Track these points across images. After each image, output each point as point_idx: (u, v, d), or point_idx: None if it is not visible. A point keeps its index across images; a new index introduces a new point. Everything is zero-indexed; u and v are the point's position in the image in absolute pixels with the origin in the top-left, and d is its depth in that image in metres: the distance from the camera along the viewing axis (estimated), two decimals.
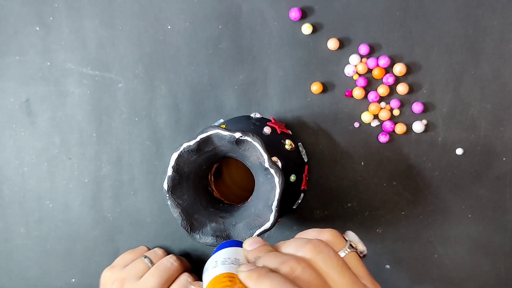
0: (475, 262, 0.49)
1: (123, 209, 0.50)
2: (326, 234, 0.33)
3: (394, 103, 0.48)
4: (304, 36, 0.48)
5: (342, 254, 0.32)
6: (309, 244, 0.31)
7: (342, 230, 0.50)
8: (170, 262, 0.45)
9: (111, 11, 0.49)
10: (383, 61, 0.47)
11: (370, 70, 0.48)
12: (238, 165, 0.48)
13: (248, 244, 0.33)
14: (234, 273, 0.30)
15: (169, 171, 0.38)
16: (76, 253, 0.51)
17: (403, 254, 0.49)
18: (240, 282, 0.29)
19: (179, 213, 0.39)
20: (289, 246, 0.32)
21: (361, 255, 0.33)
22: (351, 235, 0.34)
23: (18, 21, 0.49)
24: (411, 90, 0.48)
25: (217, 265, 0.30)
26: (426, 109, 0.48)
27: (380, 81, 0.48)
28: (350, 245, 0.33)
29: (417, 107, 0.48)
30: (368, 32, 0.48)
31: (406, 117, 0.48)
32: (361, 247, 0.33)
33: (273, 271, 0.29)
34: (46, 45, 0.49)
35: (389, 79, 0.47)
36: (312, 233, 0.33)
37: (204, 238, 0.39)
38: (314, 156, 0.49)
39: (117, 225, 0.50)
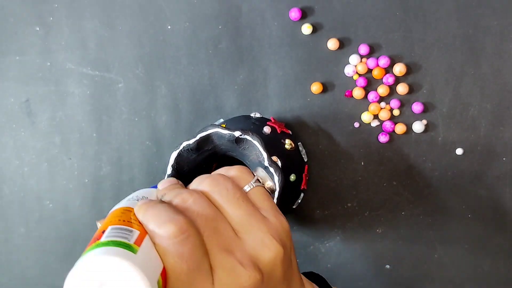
0: (475, 262, 0.49)
1: None
2: (233, 170, 0.32)
3: (394, 103, 0.48)
4: (304, 36, 0.48)
5: (247, 188, 0.31)
6: (209, 178, 0.30)
7: (342, 230, 0.50)
8: None
9: (111, 11, 0.49)
10: (383, 61, 0.47)
11: (370, 70, 0.48)
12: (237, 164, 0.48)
13: (161, 184, 0.33)
14: (132, 208, 0.30)
15: (169, 170, 0.38)
16: (76, 253, 0.51)
17: (403, 254, 0.49)
18: (133, 214, 0.29)
19: None
20: (193, 182, 0.31)
21: (269, 191, 0.32)
22: (259, 172, 0.33)
23: (18, 21, 0.49)
24: (411, 90, 0.48)
25: (122, 201, 0.31)
26: (426, 109, 0.48)
27: (380, 81, 0.48)
28: (258, 180, 0.32)
29: (417, 107, 0.48)
30: (368, 32, 0.48)
31: (406, 117, 0.48)
32: (269, 183, 0.32)
33: (162, 202, 0.29)
34: (46, 45, 0.49)
35: (389, 79, 0.47)
36: (221, 170, 0.32)
37: None
38: (314, 156, 0.49)
39: None
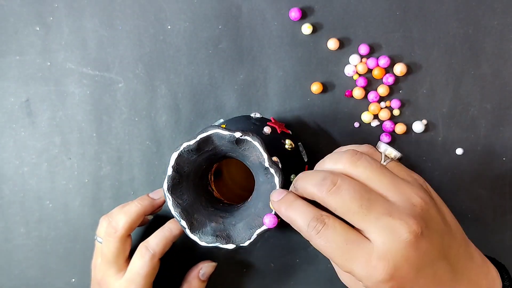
0: None
1: None
2: (362, 147, 0.35)
3: (394, 103, 0.48)
4: (304, 36, 0.48)
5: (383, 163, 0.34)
6: (345, 156, 0.33)
7: None
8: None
9: (111, 11, 0.49)
10: (383, 61, 0.47)
11: (370, 70, 0.48)
12: (238, 165, 0.48)
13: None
14: None
15: (169, 171, 0.38)
16: (76, 253, 0.51)
17: None
18: None
19: (179, 213, 0.39)
20: (327, 162, 0.34)
21: (397, 160, 0.35)
22: (382, 146, 0.36)
23: (18, 21, 0.49)
24: (411, 90, 0.48)
25: None
26: (426, 109, 0.48)
27: (380, 81, 0.48)
28: (385, 155, 0.35)
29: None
30: (368, 32, 0.48)
31: (406, 117, 0.48)
32: (395, 153, 0.35)
33: (297, 198, 0.33)
34: (46, 45, 0.49)
35: (389, 79, 0.47)
36: (349, 147, 0.35)
37: (204, 238, 0.39)
38: (314, 156, 0.49)
39: None
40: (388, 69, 0.48)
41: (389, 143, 0.48)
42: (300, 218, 0.32)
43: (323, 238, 0.31)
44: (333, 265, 0.36)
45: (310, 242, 0.32)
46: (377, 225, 0.30)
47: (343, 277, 0.36)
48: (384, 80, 0.48)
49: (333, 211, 0.32)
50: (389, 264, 0.30)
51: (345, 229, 0.31)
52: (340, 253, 0.31)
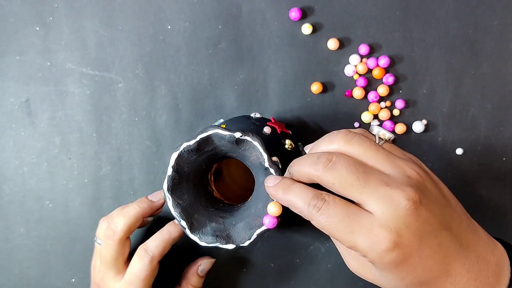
0: None
1: None
2: (356, 130, 0.36)
3: (399, 103, 0.48)
4: (304, 36, 0.48)
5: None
6: (340, 133, 0.34)
7: None
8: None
9: (111, 11, 0.49)
10: (383, 61, 0.47)
11: (370, 70, 0.48)
12: (238, 165, 0.48)
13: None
14: None
15: (169, 171, 0.38)
16: (76, 253, 0.51)
17: None
18: None
19: (179, 213, 0.39)
20: (321, 144, 0.34)
21: (388, 140, 0.36)
22: (376, 128, 0.37)
23: (18, 21, 0.49)
24: (411, 90, 0.48)
25: None
26: (426, 109, 0.48)
27: (380, 81, 0.48)
28: (379, 137, 0.36)
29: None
30: (368, 32, 0.48)
31: (406, 117, 0.48)
32: (388, 135, 0.36)
33: (294, 182, 0.34)
34: (46, 45, 0.49)
35: (389, 79, 0.47)
36: (342, 130, 0.35)
37: (204, 238, 0.39)
38: None
39: None
40: (388, 69, 0.48)
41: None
42: (299, 199, 0.33)
43: (325, 214, 0.31)
44: (340, 251, 0.37)
45: (312, 222, 0.32)
46: (375, 195, 0.31)
47: (351, 263, 0.36)
48: (384, 80, 0.48)
49: (330, 188, 0.32)
50: (391, 232, 0.30)
51: (345, 204, 0.32)
52: (342, 227, 0.31)
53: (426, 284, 0.32)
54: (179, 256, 0.50)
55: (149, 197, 0.46)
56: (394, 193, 0.30)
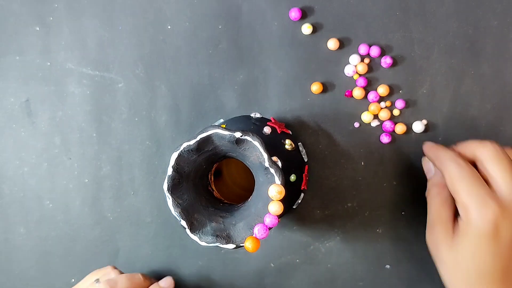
0: None
1: (123, 209, 0.50)
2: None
3: (399, 103, 0.48)
4: (304, 36, 0.48)
5: None
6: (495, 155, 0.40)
7: (342, 230, 0.50)
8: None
9: (111, 11, 0.49)
10: (384, 61, 0.47)
11: (370, 70, 0.48)
12: (238, 165, 0.48)
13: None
14: None
15: (169, 171, 0.38)
16: (76, 253, 0.51)
17: (403, 254, 0.49)
18: None
19: (179, 212, 0.39)
20: (476, 149, 0.41)
21: None
22: None
23: (18, 21, 0.49)
24: (411, 90, 0.48)
25: None
26: (426, 109, 0.48)
27: (380, 81, 0.48)
28: None
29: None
30: (368, 32, 0.48)
31: (406, 117, 0.48)
32: None
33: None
34: (46, 45, 0.49)
35: (387, 60, 0.47)
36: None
37: (204, 238, 0.39)
38: (314, 156, 0.49)
39: (117, 225, 0.50)
40: (385, 51, 0.48)
41: (389, 143, 0.48)
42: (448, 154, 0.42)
43: (461, 169, 0.39)
44: (430, 219, 0.43)
45: (442, 166, 0.41)
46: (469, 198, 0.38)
47: (435, 231, 0.42)
48: (382, 62, 0.47)
49: (482, 160, 0.40)
50: (502, 212, 0.37)
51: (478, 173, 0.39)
52: (469, 182, 0.38)
53: (483, 275, 0.38)
54: (179, 256, 0.50)
55: (161, 283, 0.46)
56: (487, 201, 0.37)
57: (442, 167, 0.41)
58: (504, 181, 0.38)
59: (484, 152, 0.39)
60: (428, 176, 0.45)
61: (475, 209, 0.37)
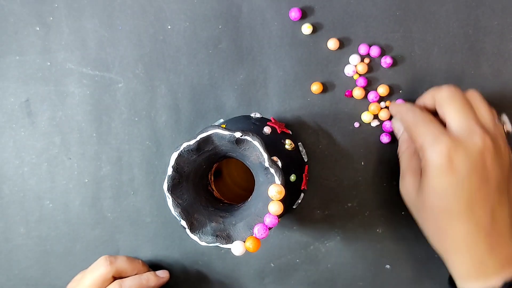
0: None
1: (123, 209, 0.50)
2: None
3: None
4: (304, 36, 0.48)
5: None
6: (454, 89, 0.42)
7: (342, 230, 0.50)
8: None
9: (111, 11, 0.49)
10: (384, 61, 0.47)
11: (370, 70, 0.48)
12: (238, 165, 0.48)
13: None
14: None
15: (169, 171, 0.38)
16: (76, 253, 0.51)
17: (403, 254, 0.49)
18: None
19: (179, 212, 0.39)
20: (443, 100, 0.42)
21: (506, 133, 0.42)
22: (504, 117, 0.43)
23: (18, 21, 0.49)
24: (411, 90, 0.48)
25: None
26: None
27: (380, 81, 0.48)
28: (503, 121, 0.43)
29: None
30: (368, 32, 0.48)
31: None
32: (508, 127, 0.43)
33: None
34: (46, 45, 0.49)
35: (387, 60, 0.47)
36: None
37: (204, 238, 0.39)
38: (314, 156, 0.49)
39: (117, 225, 0.50)
40: (385, 51, 0.48)
41: (389, 143, 0.49)
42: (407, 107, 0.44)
43: (415, 114, 0.42)
44: (402, 169, 0.44)
45: (399, 115, 0.43)
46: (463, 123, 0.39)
47: (406, 178, 0.43)
48: (382, 62, 0.47)
49: (438, 101, 0.42)
50: (453, 147, 0.38)
51: (431, 115, 0.42)
52: (422, 124, 0.41)
53: (449, 212, 0.39)
54: (179, 256, 0.50)
55: (158, 273, 0.48)
56: (477, 131, 0.38)
57: (402, 120, 0.43)
58: (455, 117, 0.40)
59: (440, 95, 0.41)
60: (397, 136, 0.47)
61: (429, 145, 0.39)
